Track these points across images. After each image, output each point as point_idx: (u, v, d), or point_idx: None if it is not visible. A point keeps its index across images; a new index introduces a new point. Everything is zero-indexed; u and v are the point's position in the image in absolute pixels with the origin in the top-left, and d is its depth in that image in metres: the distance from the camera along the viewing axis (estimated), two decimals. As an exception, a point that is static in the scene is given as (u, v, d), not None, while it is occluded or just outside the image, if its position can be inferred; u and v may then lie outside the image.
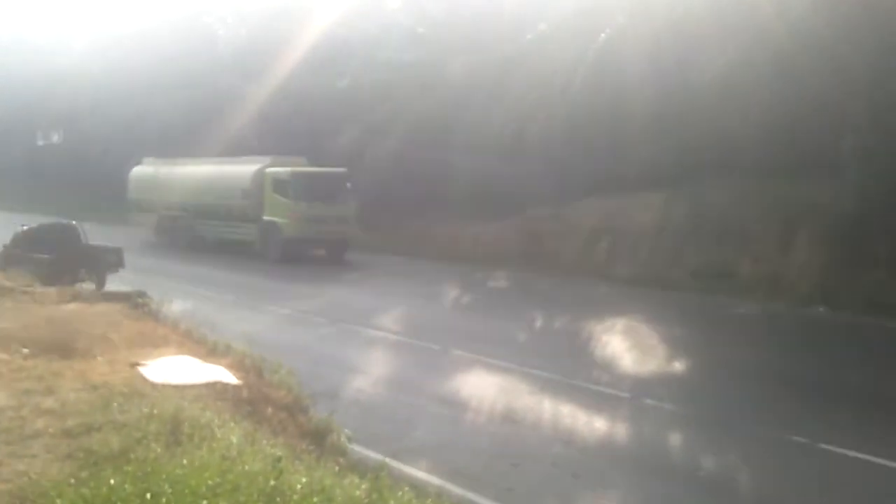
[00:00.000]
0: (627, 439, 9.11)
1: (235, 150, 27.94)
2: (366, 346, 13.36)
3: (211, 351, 8.82)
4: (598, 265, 21.05)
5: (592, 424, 9.41)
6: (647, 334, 14.57)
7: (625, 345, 13.60)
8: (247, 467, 5.05)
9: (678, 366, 12.87)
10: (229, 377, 7.69)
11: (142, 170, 30.52)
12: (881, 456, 8.15)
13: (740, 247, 19.07)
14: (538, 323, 15.87)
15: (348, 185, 24.21)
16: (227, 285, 19.27)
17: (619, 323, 15.20)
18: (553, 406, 9.95)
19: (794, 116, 17.69)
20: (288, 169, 24.23)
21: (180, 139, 31.17)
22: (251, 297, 17.61)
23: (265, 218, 24.21)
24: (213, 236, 26.80)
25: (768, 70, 18.01)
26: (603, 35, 23.07)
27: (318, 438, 7.40)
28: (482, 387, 10.80)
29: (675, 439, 9.23)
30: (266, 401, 7.49)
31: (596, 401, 10.27)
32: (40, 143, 48.07)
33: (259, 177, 24.67)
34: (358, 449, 7.79)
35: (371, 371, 11.69)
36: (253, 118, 31.45)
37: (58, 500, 4.54)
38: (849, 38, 16.11)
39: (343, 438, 7.60)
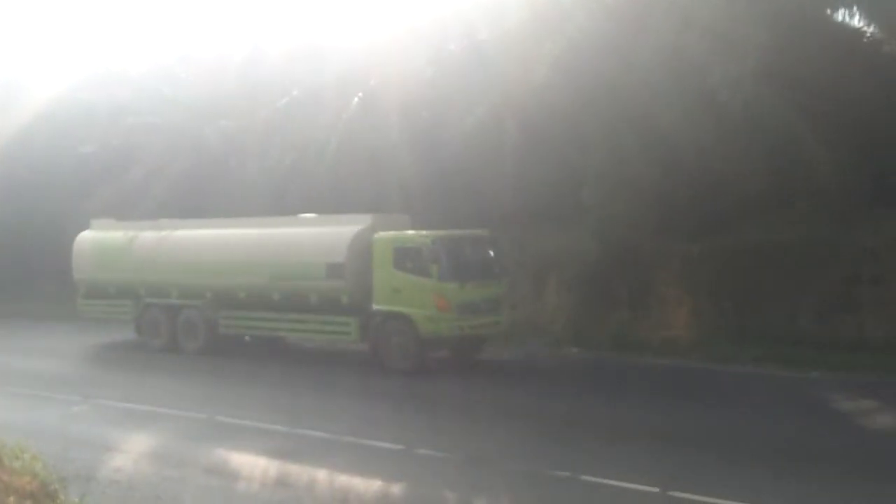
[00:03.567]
0: (404, 490, 9.13)
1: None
2: (123, 422, 12.45)
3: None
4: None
5: (368, 480, 9.34)
6: (414, 387, 14.83)
7: (395, 398, 13.74)
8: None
9: (447, 414, 13.13)
10: (-40, 468, 6.88)
11: (99, 237, 20.72)
12: (633, 482, 8.74)
13: (498, 295, 19.99)
14: (302, 384, 15.54)
15: (491, 252, 17.36)
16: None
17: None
18: (327, 465, 9.78)
19: (539, 170, 19.00)
20: (422, 233, 16.35)
21: None
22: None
23: (378, 308, 16.10)
24: (258, 335, 18.65)
25: (514, 129, 19.26)
26: (356, 99, 23.58)
27: (71, 525, 6.78)
28: (252, 452, 10.42)
29: (449, 485, 9.35)
30: (7, 490, 6.76)
31: (370, 456, 10.24)
32: None
33: (361, 245, 16.34)
34: (118, 532, 7.22)
35: (130, 448, 10.88)
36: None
37: None
38: (585, 102, 17.61)
39: (99, 523, 7.01)
